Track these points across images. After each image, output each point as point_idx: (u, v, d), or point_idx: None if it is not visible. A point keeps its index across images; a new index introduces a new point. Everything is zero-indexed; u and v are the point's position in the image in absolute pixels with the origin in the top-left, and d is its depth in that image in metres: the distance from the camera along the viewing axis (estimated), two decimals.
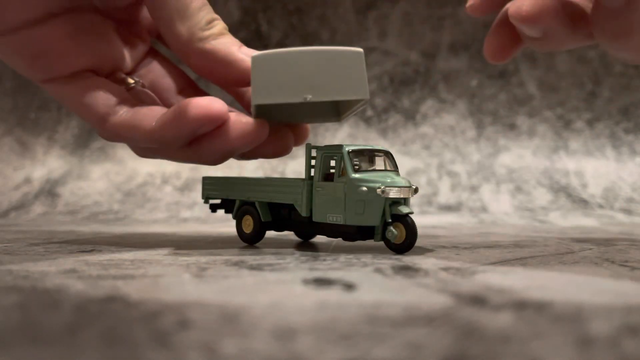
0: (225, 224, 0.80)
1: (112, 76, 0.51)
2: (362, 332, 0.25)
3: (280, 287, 0.36)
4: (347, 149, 0.53)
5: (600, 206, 1.01)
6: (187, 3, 0.45)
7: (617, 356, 0.22)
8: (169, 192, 1.05)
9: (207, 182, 0.64)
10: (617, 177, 1.08)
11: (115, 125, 0.47)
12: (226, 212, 0.64)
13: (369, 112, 1.15)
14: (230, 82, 0.49)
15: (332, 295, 0.33)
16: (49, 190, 1.06)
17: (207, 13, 0.47)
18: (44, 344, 0.23)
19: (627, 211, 0.99)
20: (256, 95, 0.45)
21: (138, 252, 0.51)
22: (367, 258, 0.48)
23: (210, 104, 0.44)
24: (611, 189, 1.06)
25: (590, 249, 0.56)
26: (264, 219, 0.58)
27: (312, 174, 0.55)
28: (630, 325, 0.27)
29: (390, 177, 0.52)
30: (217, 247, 0.56)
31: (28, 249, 0.52)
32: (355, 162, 0.53)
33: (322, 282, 0.37)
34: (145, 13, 0.53)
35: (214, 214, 0.67)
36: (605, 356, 0.22)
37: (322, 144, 0.57)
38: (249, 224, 0.59)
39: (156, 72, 0.53)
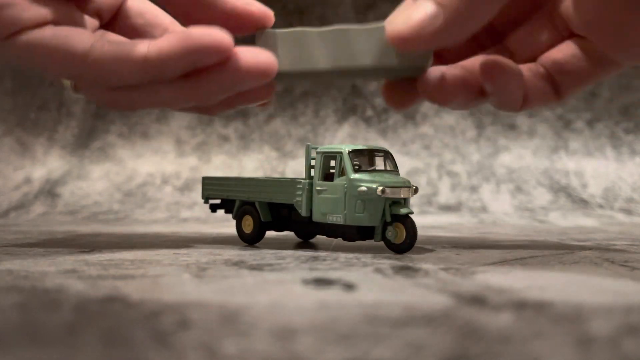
0: (225, 224, 0.80)
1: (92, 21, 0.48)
2: (362, 332, 0.25)
3: (280, 287, 0.36)
4: (347, 149, 0.53)
5: (600, 206, 1.01)
6: None
7: (617, 356, 0.22)
8: (169, 192, 1.05)
9: (207, 182, 0.64)
10: (617, 177, 1.08)
11: (99, 58, 0.42)
12: (226, 212, 0.64)
13: (369, 112, 1.15)
14: (217, 21, 0.44)
15: (332, 295, 0.33)
16: (49, 191, 1.06)
17: None
18: (44, 344, 0.23)
19: (627, 211, 0.99)
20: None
21: (138, 252, 0.51)
22: (367, 258, 0.48)
23: (217, 33, 0.40)
24: (611, 189, 1.06)
25: (590, 249, 0.56)
26: (264, 219, 0.58)
27: (312, 174, 0.55)
28: (630, 325, 0.27)
29: (390, 177, 0.52)
30: (217, 247, 0.56)
31: (28, 249, 0.52)
32: (355, 162, 0.53)
33: (322, 282, 0.37)
34: None
35: (214, 214, 0.67)
36: (605, 356, 0.22)
37: (322, 144, 0.57)
38: (249, 224, 0.59)
39: (138, 9, 0.51)
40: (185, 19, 0.45)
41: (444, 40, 0.38)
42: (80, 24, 0.45)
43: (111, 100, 0.46)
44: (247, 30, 0.45)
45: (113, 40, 0.43)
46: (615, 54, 0.42)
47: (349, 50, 0.43)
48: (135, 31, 0.50)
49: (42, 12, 0.43)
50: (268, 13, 0.44)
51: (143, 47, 0.41)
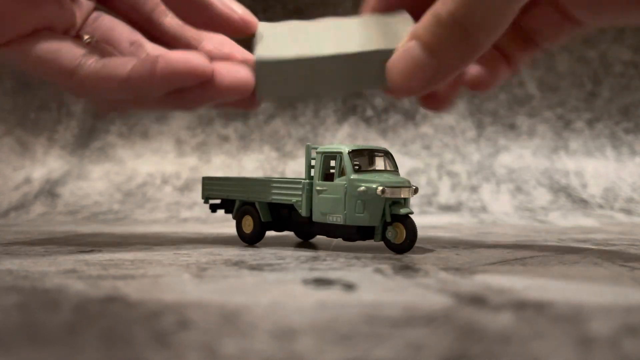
0: (225, 224, 0.80)
1: (66, 34, 0.50)
2: (362, 332, 0.25)
3: (280, 287, 0.36)
4: (347, 149, 0.53)
5: (600, 206, 1.01)
6: None
7: (617, 356, 0.22)
8: (169, 192, 1.05)
9: (207, 182, 0.64)
10: (617, 177, 1.08)
11: (86, 77, 0.45)
12: (226, 212, 0.64)
13: (369, 112, 1.15)
14: (201, 24, 0.46)
15: (332, 295, 0.33)
16: (49, 191, 1.06)
17: None
18: (44, 344, 0.23)
19: (627, 211, 0.99)
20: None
21: (138, 252, 0.51)
22: (367, 258, 0.48)
23: (195, 60, 0.42)
24: (611, 189, 1.06)
25: (590, 249, 0.56)
26: (264, 219, 0.58)
27: (312, 174, 0.55)
28: (630, 325, 0.27)
29: (390, 177, 0.52)
30: (217, 247, 0.56)
31: (28, 249, 0.52)
32: (355, 162, 0.53)
33: (322, 282, 0.37)
34: None
35: (214, 214, 0.67)
36: (605, 356, 0.22)
37: (322, 144, 0.57)
38: (249, 224, 0.59)
39: (105, 27, 0.53)
40: (182, 19, 0.46)
41: (438, 84, 0.40)
42: (70, 43, 0.47)
43: (103, 105, 0.49)
44: (232, 35, 0.47)
45: (100, 59, 0.45)
46: (582, 13, 0.43)
47: (350, 73, 0.43)
48: (127, 7, 0.52)
49: (35, 18, 0.45)
50: (250, 21, 0.46)
51: (126, 69, 0.44)
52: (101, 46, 0.50)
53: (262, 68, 0.43)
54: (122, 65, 0.44)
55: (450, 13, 0.37)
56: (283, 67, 0.43)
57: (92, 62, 0.45)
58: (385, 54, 0.41)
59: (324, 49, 0.43)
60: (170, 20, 0.50)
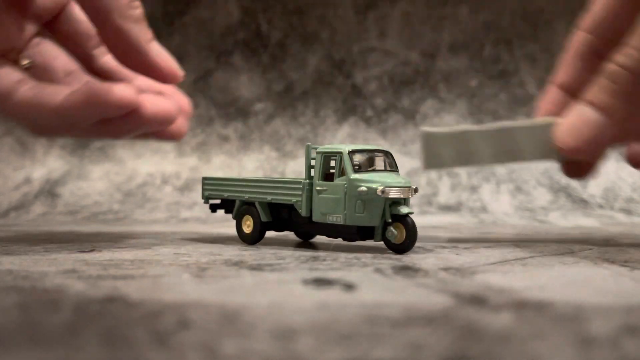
0: (225, 224, 0.80)
1: (5, 58, 0.51)
2: (362, 332, 0.25)
3: (280, 287, 0.36)
4: (347, 149, 0.53)
5: (600, 206, 1.01)
6: None
7: (617, 356, 0.22)
8: (169, 192, 1.05)
9: (207, 182, 0.64)
10: (617, 177, 1.08)
11: (19, 103, 0.47)
12: (226, 212, 0.64)
13: (369, 112, 1.15)
14: (134, 67, 0.50)
15: (332, 295, 0.33)
16: (49, 191, 1.06)
17: None
18: (44, 344, 0.23)
19: (627, 211, 0.99)
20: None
21: (138, 252, 0.51)
22: (367, 258, 0.48)
23: (122, 91, 0.45)
24: (611, 189, 1.06)
25: (590, 249, 0.56)
26: (264, 219, 0.58)
27: (312, 174, 0.55)
28: (630, 325, 0.27)
29: (390, 177, 0.52)
30: (217, 247, 0.56)
31: (28, 249, 0.52)
32: (355, 162, 0.53)
33: (322, 282, 0.37)
34: None
35: (214, 214, 0.67)
36: (605, 356, 0.22)
37: (322, 144, 0.57)
38: (249, 224, 0.59)
39: (45, 54, 0.54)
40: (118, 60, 0.50)
41: (611, 145, 0.43)
42: (6, 68, 0.48)
43: (35, 129, 0.51)
44: (159, 82, 0.51)
45: (34, 86, 0.47)
46: None
47: (512, 147, 0.46)
48: (70, 39, 0.54)
49: None
50: (177, 74, 0.49)
51: (58, 98, 0.46)
52: (39, 72, 0.52)
53: (428, 140, 0.46)
54: (54, 94, 0.46)
55: (628, 67, 0.40)
56: (447, 140, 0.45)
57: (26, 89, 0.47)
58: (547, 126, 0.45)
59: (487, 126, 0.47)
60: (109, 59, 0.53)
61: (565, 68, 0.55)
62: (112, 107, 0.45)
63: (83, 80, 0.53)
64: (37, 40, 0.55)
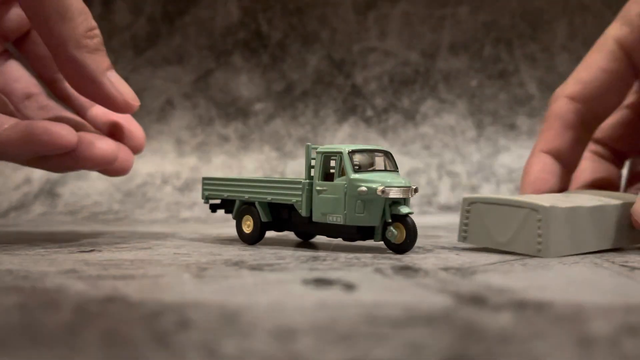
0: (225, 224, 0.80)
1: None
2: (362, 332, 0.25)
3: (280, 287, 0.36)
4: (347, 149, 0.53)
5: None
6: (67, 5, 0.46)
7: (617, 356, 0.22)
8: (169, 192, 1.05)
9: (207, 182, 0.64)
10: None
11: None
12: (226, 212, 0.64)
13: (369, 112, 1.15)
14: (88, 96, 0.50)
15: (332, 295, 0.33)
16: (49, 190, 1.06)
17: (86, 19, 0.47)
18: (44, 344, 0.23)
19: None
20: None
21: (138, 252, 0.51)
22: (367, 258, 0.48)
23: (59, 132, 0.46)
24: None
25: None
26: (264, 219, 0.58)
27: (312, 174, 0.55)
28: (630, 325, 0.27)
29: (390, 177, 0.52)
30: (217, 247, 0.56)
31: (28, 249, 0.52)
32: (355, 162, 0.53)
33: (322, 282, 0.37)
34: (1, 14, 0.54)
35: (214, 214, 0.67)
36: (605, 356, 0.22)
37: (322, 144, 0.57)
38: (249, 224, 0.59)
39: (6, 75, 0.54)
40: (75, 89, 0.50)
41: None
42: None
43: None
44: (114, 111, 0.51)
45: None
46: None
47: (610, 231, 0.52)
48: (38, 60, 0.56)
49: None
50: (132, 105, 0.50)
51: None
52: None
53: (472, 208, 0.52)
54: None
55: None
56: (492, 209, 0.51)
57: None
58: (619, 207, 0.52)
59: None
60: (69, 85, 0.54)
61: (554, 136, 0.58)
62: (47, 147, 0.46)
63: (42, 103, 0.54)
64: (2, 59, 0.55)
